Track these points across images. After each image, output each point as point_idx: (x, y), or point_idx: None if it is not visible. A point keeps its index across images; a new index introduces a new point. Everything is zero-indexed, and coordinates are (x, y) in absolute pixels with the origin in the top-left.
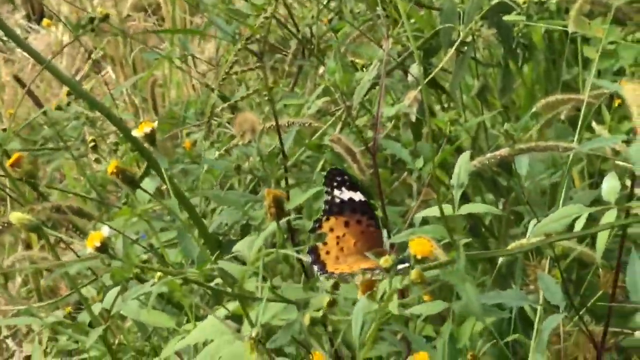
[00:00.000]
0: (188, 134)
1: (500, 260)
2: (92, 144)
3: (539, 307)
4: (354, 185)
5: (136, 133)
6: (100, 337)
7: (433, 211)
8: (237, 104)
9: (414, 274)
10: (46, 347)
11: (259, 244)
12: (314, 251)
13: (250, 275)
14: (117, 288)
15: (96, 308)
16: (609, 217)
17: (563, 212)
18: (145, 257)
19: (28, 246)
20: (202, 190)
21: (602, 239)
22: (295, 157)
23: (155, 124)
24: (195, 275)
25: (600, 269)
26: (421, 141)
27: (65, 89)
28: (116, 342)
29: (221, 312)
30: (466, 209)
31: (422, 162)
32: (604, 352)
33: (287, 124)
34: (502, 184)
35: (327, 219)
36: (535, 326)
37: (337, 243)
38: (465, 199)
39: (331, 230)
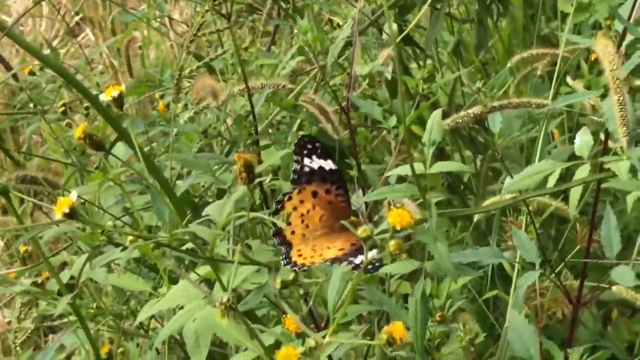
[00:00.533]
0: (162, 96)
1: (477, 217)
2: (62, 109)
3: (516, 264)
4: (325, 153)
5: (103, 97)
6: (69, 304)
7: (405, 170)
8: (212, 65)
9: (392, 245)
10: (20, 314)
11: (228, 208)
12: (278, 234)
13: (222, 239)
14: (85, 255)
15: (65, 275)
16: (582, 172)
17: (535, 169)
18: (112, 223)
19: (4, 212)
20: (172, 154)
21: (575, 194)
22: (271, 117)
23: (123, 87)
24: (166, 239)
25: (578, 224)
26: (397, 98)
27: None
28: (94, 305)
29: (194, 276)
30: (438, 167)
31: (394, 120)
32: (582, 307)
33: (259, 86)
34: (480, 140)
35: (290, 198)
36: (514, 282)
37: (302, 221)
38: (443, 155)
39: (294, 208)
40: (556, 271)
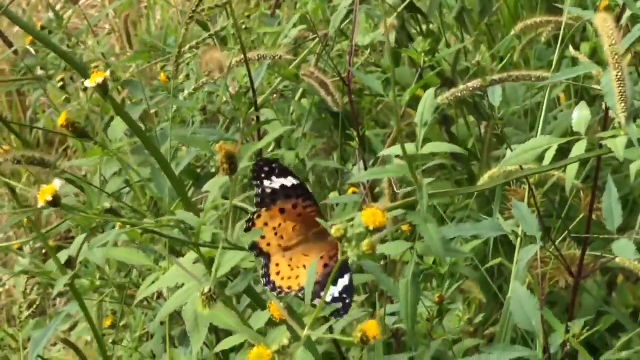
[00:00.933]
0: (163, 67)
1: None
2: (61, 84)
3: (518, 235)
4: (283, 171)
5: (88, 84)
6: (68, 284)
7: (396, 150)
8: (217, 35)
9: (365, 244)
10: (25, 289)
11: (212, 196)
12: (255, 246)
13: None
14: (83, 236)
15: (63, 255)
16: (579, 148)
17: (534, 144)
18: (108, 205)
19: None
20: (171, 131)
21: (572, 171)
22: (273, 87)
23: (108, 73)
24: (153, 225)
25: (582, 191)
26: (400, 67)
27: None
28: (97, 277)
29: (191, 255)
30: (430, 148)
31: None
32: (586, 275)
33: (258, 58)
34: (485, 106)
35: (259, 216)
36: (517, 251)
37: (276, 234)
38: (447, 121)
39: (266, 224)
40: (559, 240)
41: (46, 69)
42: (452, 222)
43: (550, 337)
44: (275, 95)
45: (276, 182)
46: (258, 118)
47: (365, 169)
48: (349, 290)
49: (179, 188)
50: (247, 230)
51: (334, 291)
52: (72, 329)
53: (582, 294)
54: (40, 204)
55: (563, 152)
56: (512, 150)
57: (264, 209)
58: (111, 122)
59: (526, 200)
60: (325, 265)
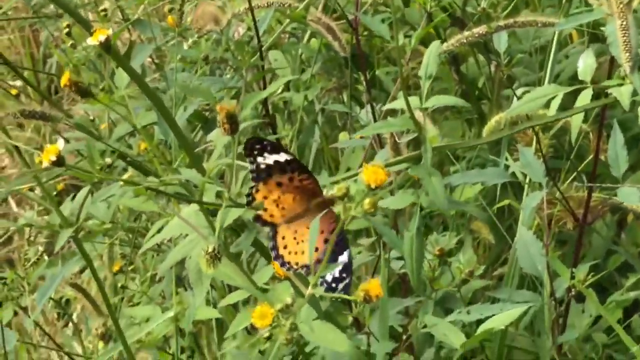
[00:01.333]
0: (170, 10)
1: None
2: (66, 30)
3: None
4: (275, 148)
5: (90, 42)
6: (72, 237)
7: (399, 104)
8: None
9: (367, 203)
10: (29, 236)
11: (217, 154)
12: (259, 219)
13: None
14: (86, 189)
15: (66, 209)
16: (584, 98)
17: (539, 92)
18: (109, 160)
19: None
20: (175, 80)
21: (577, 119)
22: (281, 28)
23: (110, 31)
24: (155, 184)
25: (591, 133)
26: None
27: None
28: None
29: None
30: (434, 100)
31: (401, 39)
32: (592, 221)
33: (265, 4)
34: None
35: (257, 190)
36: (525, 194)
37: (277, 205)
38: (456, 60)
39: (265, 197)
40: (569, 180)
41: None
42: (461, 162)
43: (556, 281)
44: (284, 36)
45: (269, 158)
46: (263, 67)
47: (373, 112)
48: (349, 268)
49: (182, 140)
50: (248, 204)
51: (333, 270)
52: (82, 271)
53: (591, 234)
54: (45, 164)
55: (574, 93)
56: (517, 97)
57: (260, 183)
58: (118, 68)
59: (533, 145)
60: (326, 241)
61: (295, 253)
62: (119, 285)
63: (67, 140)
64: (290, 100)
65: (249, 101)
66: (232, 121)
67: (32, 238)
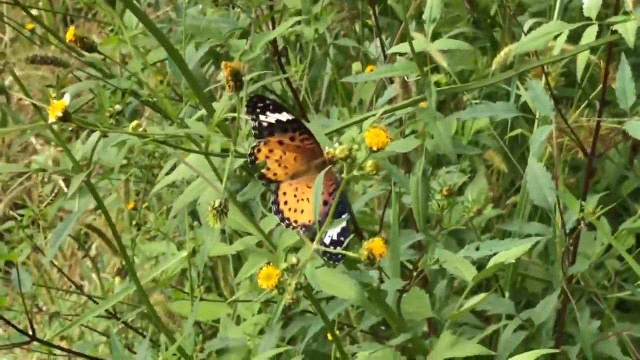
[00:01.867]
0: None
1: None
2: None
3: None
4: (278, 107)
5: None
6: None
7: (403, 47)
8: None
9: (369, 165)
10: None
11: (221, 109)
12: (263, 177)
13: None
14: (97, 134)
15: (78, 152)
16: (589, 35)
17: (545, 30)
18: (119, 107)
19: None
20: (185, 22)
21: (582, 59)
22: None
23: None
24: (162, 136)
25: (601, 61)
26: None
27: None
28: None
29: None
30: (439, 45)
31: None
32: (601, 154)
33: None
34: None
35: (259, 149)
36: (535, 125)
37: (279, 165)
38: None
39: (267, 157)
40: (581, 108)
41: None
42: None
43: (567, 213)
44: None
45: (271, 117)
46: (272, 7)
47: (383, 46)
48: (347, 232)
49: (192, 82)
50: (251, 163)
51: (332, 233)
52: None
53: (604, 161)
54: (51, 120)
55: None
56: (525, 33)
57: (262, 143)
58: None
59: (543, 78)
60: (325, 203)
61: (295, 211)
62: (134, 222)
63: (79, 79)
64: (301, 33)
65: (259, 41)
66: (237, 78)
67: (46, 179)
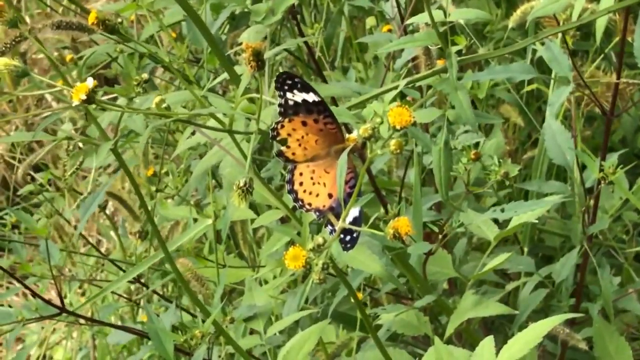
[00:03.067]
0: None
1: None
2: None
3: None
4: (305, 87)
5: None
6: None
7: (423, 18)
8: None
9: (393, 144)
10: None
11: (240, 91)
12: (281, 154)
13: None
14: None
15: (104, 121)
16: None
17: None
18: (146, 76)
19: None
20: None
21: (601, 23)
22: None
23: None
24: (186, 115)
25: (617, 14)
26: None
27: None
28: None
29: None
30: (458, 14)
31: None
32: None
33: None
34: None
35: (282, 126)
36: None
37: (300, 145)
38: None
39: (289, 135)
40: (598, 59)
41: None
42: (489, 43)
43: (585, 172)
44: None
45: (298, 96)
46: None
47: (398, 6)
48: (359, 221)
49: (213, 45)
50: (273, 138)
51: (347, 219)
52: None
53: (622, 118)
54: (75, 102)
55: None
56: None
57: (286, 120)
58: None
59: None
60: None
61: (310, 193)
62: (154, 189)
63: (95, 42)
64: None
65: (281, 4)
66: (259, 58)
67: (70, 148)
